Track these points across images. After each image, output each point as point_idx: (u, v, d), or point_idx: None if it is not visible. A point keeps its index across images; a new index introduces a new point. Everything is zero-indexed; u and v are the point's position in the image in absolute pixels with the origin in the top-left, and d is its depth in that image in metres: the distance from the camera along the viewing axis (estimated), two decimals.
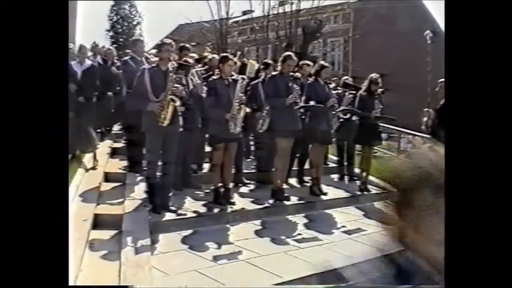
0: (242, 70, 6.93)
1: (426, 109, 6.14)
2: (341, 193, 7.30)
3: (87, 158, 6.98)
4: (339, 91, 7.78)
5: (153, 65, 5.56)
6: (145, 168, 5.76)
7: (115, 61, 8.07)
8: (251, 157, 7.80)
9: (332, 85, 7.43)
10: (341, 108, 7.34)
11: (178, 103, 5.26)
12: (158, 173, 5.51)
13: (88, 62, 7.89)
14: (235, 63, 6.43)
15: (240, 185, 7.01)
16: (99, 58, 8.20)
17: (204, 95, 5.99)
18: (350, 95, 7.58)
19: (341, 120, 7.43)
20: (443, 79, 5.28)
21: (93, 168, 6.79)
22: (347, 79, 8.61)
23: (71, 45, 8.85)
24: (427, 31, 20.32)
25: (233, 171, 6.71)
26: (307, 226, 5.85)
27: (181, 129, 5.55)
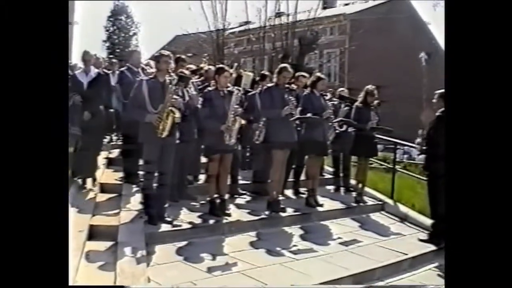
0: (237, 81, 6.96)
1: (420, 131, 6.17)
2: (337, 205, 7.31)
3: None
4: (335, 103, 7.83)
5: (151, 76, 5.58)
6: (141, 179, 5.77)
7: (105, 71, 7.46)
8: (246, 168, 7.78)
9: (328, 97, 7.46)
10: (338, 119, 7.39)
11: (177, 114, 5.28)
12: (154, 184, 5.52)
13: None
14: (231, 74, 6.46)
15: (236, 196, 7.03)
16: (93, 69, 7.05)
17: (199, 106, 6.01)
18: (346, 107, 7.63)
19: (337, 131, 7.47)
20: (440, 90, 5.33)
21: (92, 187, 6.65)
22: (342, 91, 8.66)
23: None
24: (422, 54, 20.47)
25: (229, 182, 6.73)
26: (303, 237, 5.86)
27: (178, 141, 5.56)
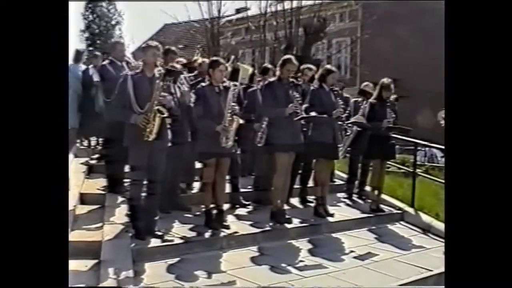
0: (234, 75, 6.93)
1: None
2: (350, 214, 7.32)
3: None
4: (358, 99, 7.86)
5: (137, 71, 5.54)
6: (127, 188, 5.75)
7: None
8: (246, 174, 7.75)
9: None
10: (350, 121, 7.36)
11: (165, 114, 5.26)
12: (142, 194, 5.50)
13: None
14: (227, 68, 6.43)
15: (237, 206, 7.03)
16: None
17: (192, 104, 5.98)
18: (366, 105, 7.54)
19: (348, 133, 7.43)
20: None
21: None
22: (367, 85, 8.49)
23: None
24: None
25: (228, 190, 6.70)
26: (311, 252, 5.86)
27: (169, 144, 5.54)
